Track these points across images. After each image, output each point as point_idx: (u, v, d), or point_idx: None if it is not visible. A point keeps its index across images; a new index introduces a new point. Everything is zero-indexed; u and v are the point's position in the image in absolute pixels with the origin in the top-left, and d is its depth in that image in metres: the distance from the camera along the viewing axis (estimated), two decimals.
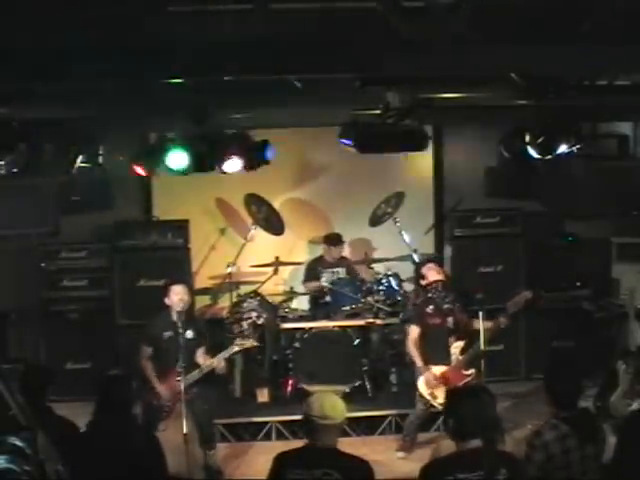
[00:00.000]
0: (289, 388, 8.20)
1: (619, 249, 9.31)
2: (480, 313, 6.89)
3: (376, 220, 8.93)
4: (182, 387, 6.40)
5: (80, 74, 4.82)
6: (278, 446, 6.23)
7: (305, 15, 4.78)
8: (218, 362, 6.89)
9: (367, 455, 4.61)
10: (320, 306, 8.71)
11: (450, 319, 7.29)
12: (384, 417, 7.85)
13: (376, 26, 4.64)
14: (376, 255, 9.42)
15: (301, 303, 9.08)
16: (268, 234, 8.99)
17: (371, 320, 8.35)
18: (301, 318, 8.58)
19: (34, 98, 5.64)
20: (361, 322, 8.40)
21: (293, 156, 9.40)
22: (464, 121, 7.84)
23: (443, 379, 7.13)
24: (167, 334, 6.83)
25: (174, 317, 6.79)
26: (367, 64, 4.89)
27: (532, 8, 4.68)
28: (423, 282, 7.48)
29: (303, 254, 9.54)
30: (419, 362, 7.18)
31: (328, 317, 8.47)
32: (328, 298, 8.58)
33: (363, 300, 8.47)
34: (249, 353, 8.07)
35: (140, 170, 7.13)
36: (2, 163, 6.22)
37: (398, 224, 8.80)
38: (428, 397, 7.15)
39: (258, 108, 6.57)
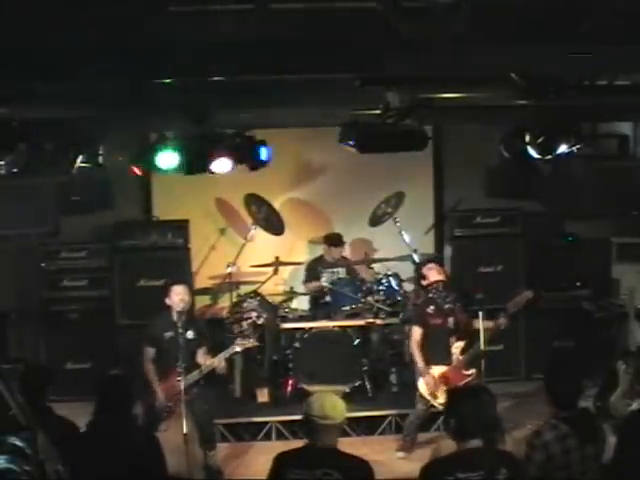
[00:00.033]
0: (289, 388, 8.20)
1: (619, 249, 9.31)
2: (480, 313, 6.90)
3: (376, 220, 8.93)
4: (182, 387, 6.40)
5: (80, 74, 4.82)
6: (278, 446, 6.23)
7: (305, 15, 4.78)
8: (219, 362, 6.90)
9: (367, 455, 4.62)
10: (320, 306, 8.71)
11: (451, 319, 7.30)
12: (384, 417, 7.85)
13: (376, 26, 4.64)
14: (376, 255, 9.42)
15: (301, 303, 9.08)
16: (268, 234, 8.99)
17: (371, 320, 8.35)
18: (301, 318, 8.58)
19: (34, 98, 5.63)
20: (361, 322, 8.40)
21: (293, 156, 9.40)
22: (464, 121, 7.82)
23: (443, 379, 7.13)
24: (168, 334, 6.83)
25: (174, 317, 6.79)
26: (367, 64, 4.89)
27: (532, 8, 4.68)
28: (424, 282, 7.48)
29: (303, 254, 9.54)
30: (421, 363, 7.17)
31: (328, 317, 8.47)
32: (328, 298, 8.58)
33: (363, 300, 8.47)
34: (249, 353, 8.07)
35: (136, 169, 7.16)
36: (2, 163, 6.21)
37: (398, 224, 8.80)
38: (428, 397, 7.15)
39: (258, 108, 6.56)
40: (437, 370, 7.18)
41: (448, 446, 4.27)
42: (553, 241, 9.39)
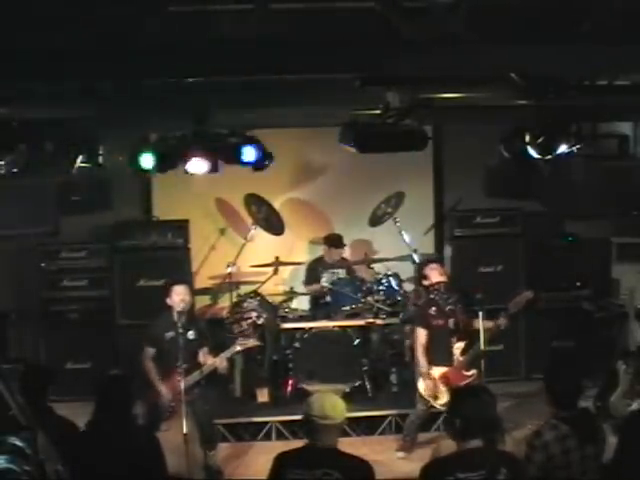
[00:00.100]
0: (289, 388, 8.20)
1: (619, 249, 9.31)
2: (480, 313, 6.89)
3: (376, 220, 8.93)
4: (182, 387, 6.40)
5: (80, 74, 4.82)
6: (278, 446, 6.24)
7: (305, 15, 4.78)
8: (220, 362, 6.90)
9: (367, 455, 4.62)
10: (320, 306, 8.71)
11: (451, 320, 7.28)
12: (384, 417, 7.86)
13: (376, 26, 4.64)
14: (376, 255, 9.42)
15: (301, 303, 9.08)
16: (268, 234, 8.99)
17: (371, 320, 8.35)
18: (301, 318, 8.58)
19: (34, 98, 5.63)
20: (361, 322, 8.41)
21: (293, 156, 9.40)
22: (464, 121, 7.82)
23: (444, 380, 7.13)
24: (169, 335, 6.83)
25: (175, 317, 6.78)
26: (367, 64, 4.89)
27: (532, 8, 4.68)
28: (426, 282, 7.45)
29: (303, 254, 9.54)
30: (424, 366, 7.16)
31: (328, 317, 8.48)
32: (328, 298, 8.59)
33: (363, 300, 8.47)
34: (249, 353, 8.08)
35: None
36: (2, 163, 6.22)
37: (398, 224, 8.80)
38: (428, 398, 7.15)
39: (258, 108, 6.56)
40: (438, 371, 7.18)
41: (448, 446, 4.27)
42: (553, 241, 9.39)
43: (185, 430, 6.22)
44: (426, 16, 4.41)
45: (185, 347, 6.61)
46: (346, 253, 9.16)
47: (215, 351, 7.04)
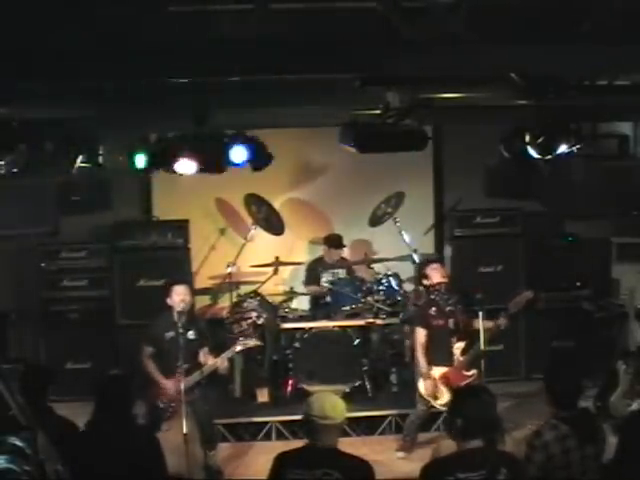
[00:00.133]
0: (289, 388, 8.20)
1: (619, 249, 9.31)
2: (480, 313, 6.89)
3: (376, 220, 8.93)
4: (182, 387, 6.40)
5: (80, 74, 4.82)
6: (278, 446, 6.24)
7: (305, 15, 4.78)
8: (221, 362, 6.89)
9: (367, 455, 4.61)
10: (320, 306, 8.71)
11: (451, 320, 7.28)
12: (384, 417, 7.86)
13: (376, 26, 4.64)
14: (376, 255, 9.42)
15: (301, 303, 9.09)
16: (268, 234, 8.99)
17: (371, 320, 8.35)
18: (301, 318, 8.58)
19: (34, 98, 5.63)
20: (361, 322, 8.40)
21: (293, 156, 9.40)
22: (464, 121, 7.82)
23: (444, 380, 7.13)
24: (169, 335, 6.82)
25: (175, 317, 6.78)
26: (367, 64, 4.89)
27: (532, 8, 4.69)
28: (426, 282, 7.44)
29: (303, 254, 9.55)
30: (424, 366, 7.16)
31: (328, 317, 8.48)
32: (328, 298, 8.59)
33: (363, 300, 8.47)
34: (249, 353, 8.07)
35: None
36: (2, 163, 6.22)
37: (398, 224, 8.80)
38: (428, 398, 7.15)
39: (258, 108, 6.56)
40: (438, 371, 7.17)
41: (448, 446, 4.27)
42: (553, 241, 9.39)
43: (185, 430, 6.22)
44: (426, 16, 4.41)
45: (185, 347, 6.61)
46: (346, 253, 9.16)
47: (215, 351, 7.04)
